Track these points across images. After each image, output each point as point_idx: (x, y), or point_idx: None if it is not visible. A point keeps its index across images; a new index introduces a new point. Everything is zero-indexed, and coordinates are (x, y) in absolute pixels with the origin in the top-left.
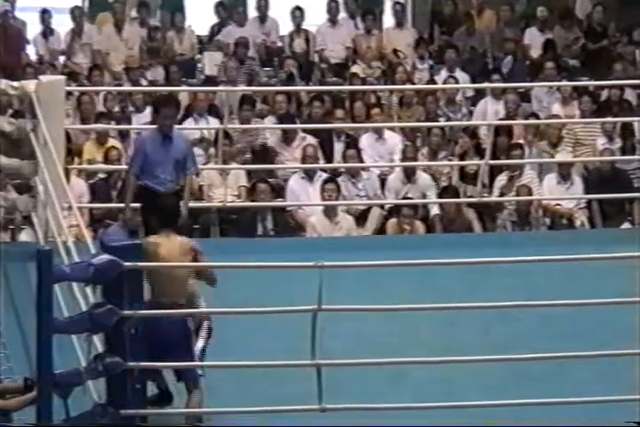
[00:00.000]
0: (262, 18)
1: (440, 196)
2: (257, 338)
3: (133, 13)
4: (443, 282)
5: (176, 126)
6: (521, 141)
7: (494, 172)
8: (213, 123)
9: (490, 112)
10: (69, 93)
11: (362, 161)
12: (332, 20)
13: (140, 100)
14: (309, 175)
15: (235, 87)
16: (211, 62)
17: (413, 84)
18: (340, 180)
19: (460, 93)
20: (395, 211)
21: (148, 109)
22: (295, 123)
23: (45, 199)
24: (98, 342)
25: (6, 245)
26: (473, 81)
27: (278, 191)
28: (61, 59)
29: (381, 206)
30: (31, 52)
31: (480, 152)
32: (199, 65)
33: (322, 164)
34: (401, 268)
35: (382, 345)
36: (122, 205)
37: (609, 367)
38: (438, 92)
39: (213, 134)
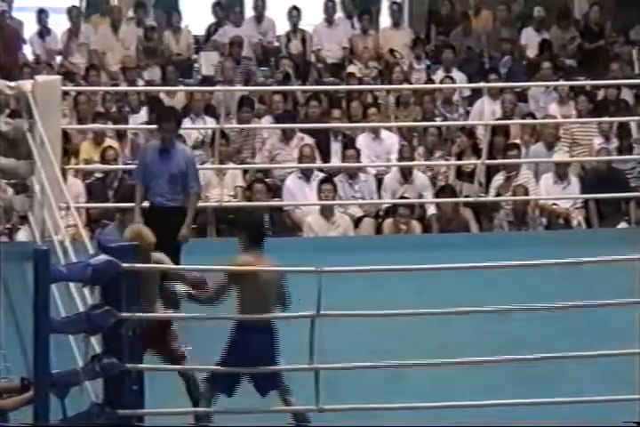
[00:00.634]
0: (259, 18)
1: (437, 196)
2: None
3: (130, 13)
4: (441, 282)
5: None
6: (517, 141)
7: (491, 171)
8: (210, 123)
9: (487, 112)
10: (66, 93)
11: (359, 161)
12: (329, 20)
13: (137, 100)
14: (306, 175)
15: (231, 87)
16: (207, 62)
17: (410, 84)
18: (336, 180)
19: (456, 93)
20: (391, 211)
21: (145, 110)
22: (293, 122)
23: (42, 199)
24: (95, 343)
25: (3, 244)
26: (470, 81)
27: (275, 191)
28: (58, 59)
29: (377, 212)
30: (28, 51)
31: (477, 152)
32: (196, 65)
33: (319, 164)
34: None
35: (380, 345)
36: (118, 204)
37: (607, 368)
38: (435, 91)
39: (210, 134)
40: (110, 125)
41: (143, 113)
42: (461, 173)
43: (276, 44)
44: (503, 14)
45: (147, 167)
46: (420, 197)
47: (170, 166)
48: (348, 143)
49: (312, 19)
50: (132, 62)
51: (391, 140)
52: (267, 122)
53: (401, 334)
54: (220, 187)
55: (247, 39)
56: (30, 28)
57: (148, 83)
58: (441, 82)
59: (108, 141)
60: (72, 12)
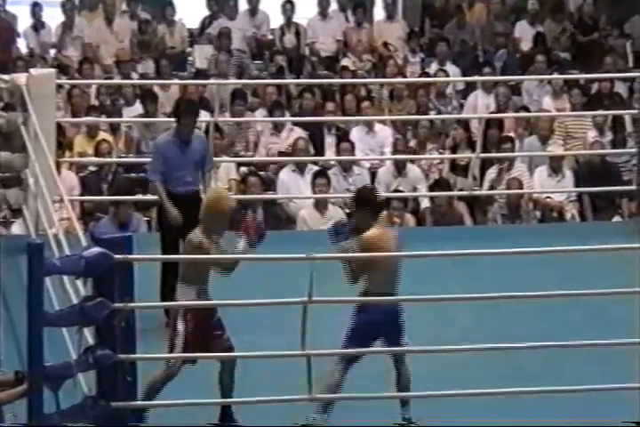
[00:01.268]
0: (253, 11)
1: (431, 189)
2: (248, 329)
3: (124, 7)
4: (435, 274)
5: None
6: (511, 134)
7: (485, 165)
8: (204, 116)
9: (480, 105)
10: (60, 86)
11: (353, 155)
12: (323, 13)
13: (131, 93)
14: (300, 168)
15: (225, 80)
16: (201, 55)
17: (404, 77)
18: (331, 173)
19: (450, 87)
20: (385, 204)
21: (139, 103)
22: (284, 111)
23: (36, 192)
24: (89, 335)
25: None
26: (464, 74)
27: (269, 184)
28: (52, 52)
29: None
30: (22, 45)
31: (471, 145)
32: (190, 58)
33: (312, 157)
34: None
35: None
36: (112, 198)
37: (604, 361)
38: (429, 85)
39: (204, 127)
40: (104, 119)
41: (137, 106)
42: (455, 167)
43: (270, 37)
44: (497, 7)
45: (167, 162)
46: (414, 190)
47: (193, 156)
48: (342, 136)
49: (306, 12)
50: (125, 55)
51: (385, 133)
52: (260, 115)
53: None
54: (214, 180)
55: (241, 32)
56: (24, 22)
57: (142, 76)
58: (434, 75)
59: (102, 135)
60: (66, 6)
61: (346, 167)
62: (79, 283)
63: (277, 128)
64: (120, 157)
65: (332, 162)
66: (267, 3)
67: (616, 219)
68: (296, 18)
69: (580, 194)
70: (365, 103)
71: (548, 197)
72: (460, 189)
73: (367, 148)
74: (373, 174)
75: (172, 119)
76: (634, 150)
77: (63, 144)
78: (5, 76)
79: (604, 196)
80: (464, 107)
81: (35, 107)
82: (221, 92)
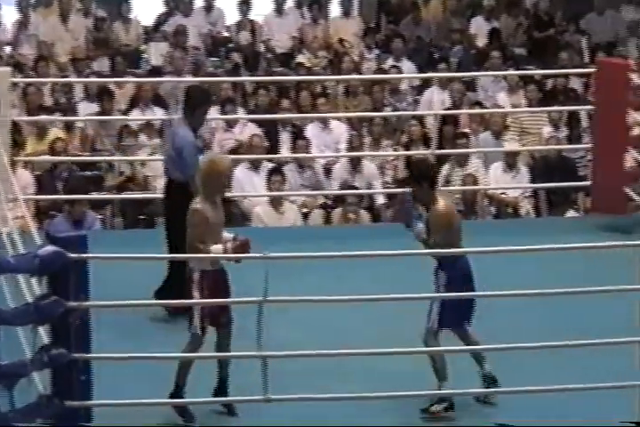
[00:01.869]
0: (208, 8)
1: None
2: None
3: (79, 4)
4: (392, 271)
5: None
6: (467, 130)
7: (440, 161)
8: (159, 113)
9: (436, 101)
10: (15, 84)
11: (308, 151)
12: (279, 10)
13: (86, 91)
14: (255, 165)
15: (180, 78)
16: (156, 52)
17: (360, 73)
18: (286, 169)
19: (406, 83)
20: (340, 200)
21: (95, 100)
22: (235, 107)
23: None
24: (43, 334)
25: None
26: (419, 70)
27: None
28: (7, 49)
29: (325, 199)
30: None
31: (426, 142)
32: (145, 55)
33: (267, 154)
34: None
35: (330, 335)
36: (67, 196)
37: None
38: (384, 81)
39: (159, 124)
40: (59, 117)
41: (92, 104)
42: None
43: (226, 34)
44: (453, 3)
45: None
46: (369, 186)
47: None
48: (298, 133)
49: (262, 9)
50: (81, 53)
51: (340, 129)
52: (215, 112)
53: (350, 323)
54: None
55: (196, 29)
56: None
57: (98, 73)
58: (389, 71)
59: (55, 132)
60: (21, 3)
61: (301, 164)
62: (34, 281)
63: (230, 124)
64: (75, 155)
65: (288, 158)
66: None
67: (571, 214)
68: (252, 14)
69: (535, 189)
70: (321, 100)
71: (504, 193)
72: None
73: (322, 144)
74: (328, 171)
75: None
76: (589, 146)
77: (18, 142)
78: None
79: (559, 191)
80: (420, 103)
81: None
82: (177, 89)
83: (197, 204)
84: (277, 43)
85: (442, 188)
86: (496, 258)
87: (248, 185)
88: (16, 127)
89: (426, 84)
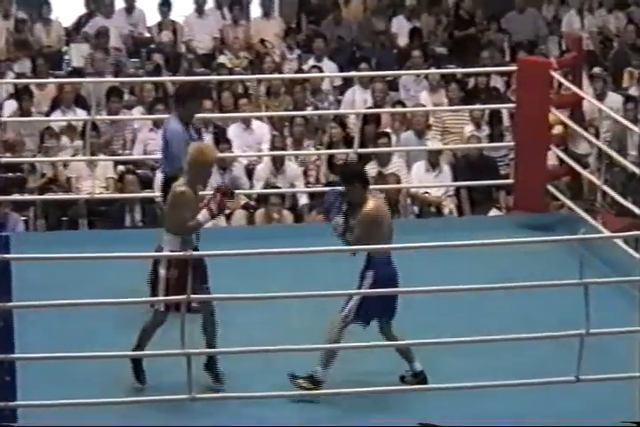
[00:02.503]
0: (129, 9)
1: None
2: (124, 328)
3: None
4: (315, 270)
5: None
6: (388, 130)
7: (363, 161)
8: (81, 114)
9: (358, 101)
10: None
11: (231, 152)
12: (199, 11)
13: (6, 92)
14: None
15: (102, 79)
16: (78, 54)
17: (282, 73)
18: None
19: (327, 83)
20: (263, 201)
21: (13, 101)
22: (165, 108)
23: None
24: None
25: None
26: (341, 70)
27: (146, 182)
28: None
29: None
30: None
31: (347, 141)
32: (66, 57)
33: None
34: (271, 257)
35: (254, 333)
36: None
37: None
38: (306, 81)
39: (81, 126)
40: None
41: (12, 103)
42: (332, 165)
43: (147, 35)
44: (373, 3)
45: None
46: (292, 186)
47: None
48: (220, 134)
49: (183, 9)
50: (1, 55)
51: (262, 130)
52: (137, 113)
53: (275, 321)
54: (92, 178)
55: (117, 30)
56: None
57: (19, 75)
58: (309, 71)
59: None
60: None
61: (223, 166)
62: None
63: (157, 125)
64: None
65: None
66: (143, 0)
67: (493, 212)
68: (173, 15)
69: (457, 189)
70: (242, 100)
71: (426, 192)
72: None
73: (245, 144)
74: (250, 171)
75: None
76: (511, 144)
77: None
78: None
79: (481, 190)
80: (341, 103)
81: None
82: (97, 90)
83: (182, 186)
84: (198, 43)
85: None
86: (419, 257)
87: None
88: None
89: (348, 83)
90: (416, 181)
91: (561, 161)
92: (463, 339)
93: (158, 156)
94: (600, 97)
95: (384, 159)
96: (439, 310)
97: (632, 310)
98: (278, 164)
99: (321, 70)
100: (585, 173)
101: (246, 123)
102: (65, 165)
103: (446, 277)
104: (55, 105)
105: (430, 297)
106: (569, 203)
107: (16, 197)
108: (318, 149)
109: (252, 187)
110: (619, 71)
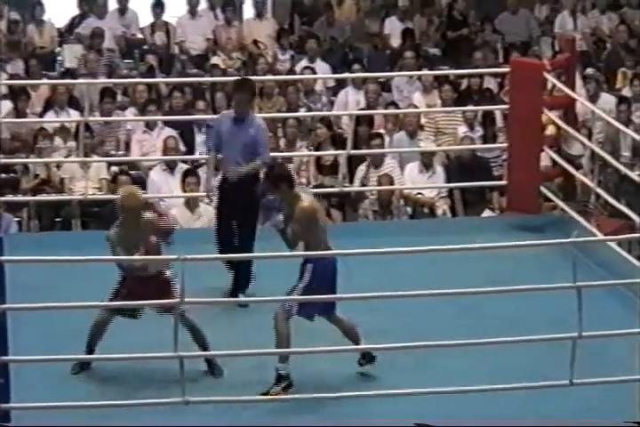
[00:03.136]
0: (122, 10)
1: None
2: (119, 330)
3: None
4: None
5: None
6: (381, 131)
7: (355, 162)
8: (74, 115)
9: (351, 102)
10: None
11: None
12: (192, 12)
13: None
14: (170, 167)
15: (95, 79)
16: (71, 55)
17: (275, 74)
18: (201, 171)
19: (320, 84)
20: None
21: (8, 102)
22: (158, 110)
23: None
24: None
25: None
26: (334, 71)
27: (140, 183)
28: None
29: None
30: None
31: (337, 143)
32: (59, 58)
33: (183, 155)
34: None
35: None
36: None
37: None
38: (299, 82)
39: (74, 127)
40: None
41: (7, 103)
42: (321, 167)
43: (140, 36)
44: (367, 4)
45: (221, 136)
46: None
47: (244, 136)
48: None
49: (176, 10)
50: None
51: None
52: (131, 114)
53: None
54: (85, 179)
55: (111, 31)
56: None
57: (12, 76)
58: (302, 72)
59: None
60: None
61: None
62: None
63: (150, 126)
64: None
65: (203, 160)
66: (136, 2)
67: (486, 213)
68: (165, 16)
69: (450, 190)
70: None
71: (419, 194)
72: (331, 187)
73: None
74: None
75: None
76: (504, 145)
77: None
78: None
79: (474, 191)
80: (334, 104)
81: None
82: (91, 91)
83: (109, 232)
84: (191, 44)
85: (359, 188)
86: (411, 258)
87: (164, 187)
88: None
89: (340, 84)
90: (409, 182)
91: (554, 162)
92: (457, 342)
93: (154, 157)
94: (593, 98)
95: (377, 160)
96: (431, 312)
97: (625, 311)
98: None
99: (314, 71)
100: (578, 174)
101: None
102: (58, 165)
103: (438, 280)
104: (48, 106)
105: (422, 299)
106: (562, 204)
107: (9, 197)
108: (311, 151)
109: None
110: (612, 72)
